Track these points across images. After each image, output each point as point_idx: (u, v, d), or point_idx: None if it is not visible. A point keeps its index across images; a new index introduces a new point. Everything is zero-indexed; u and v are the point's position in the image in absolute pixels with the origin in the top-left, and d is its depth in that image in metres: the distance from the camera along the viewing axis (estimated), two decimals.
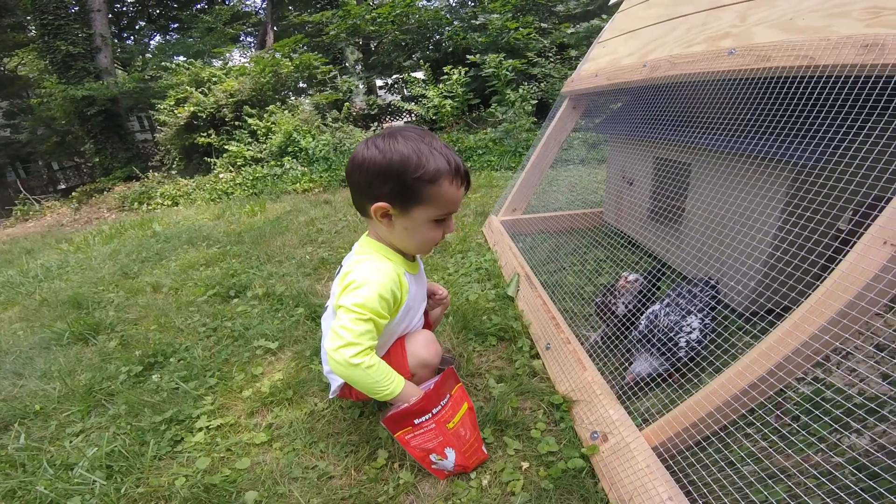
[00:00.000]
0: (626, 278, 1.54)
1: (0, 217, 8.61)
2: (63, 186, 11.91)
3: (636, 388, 1.30)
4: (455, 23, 8.62)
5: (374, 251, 1.09)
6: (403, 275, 1.09)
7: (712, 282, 1.45)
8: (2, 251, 4.86)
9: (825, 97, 1.14)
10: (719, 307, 1.43)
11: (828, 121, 1.17)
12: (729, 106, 1.47)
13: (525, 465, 1.13)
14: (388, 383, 1.02)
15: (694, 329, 1.30)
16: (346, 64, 9.87)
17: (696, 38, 1.62)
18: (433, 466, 1.11)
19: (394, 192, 0.97)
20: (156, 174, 7.47)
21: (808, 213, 1.20)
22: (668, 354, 1.27)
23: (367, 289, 0.99)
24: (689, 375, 1.27)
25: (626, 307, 1.51)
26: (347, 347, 0.97)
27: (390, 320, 1.09)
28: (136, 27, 13.81)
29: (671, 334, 1.29)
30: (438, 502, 1.06)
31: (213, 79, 7.42)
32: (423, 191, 0.97)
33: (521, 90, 6.38)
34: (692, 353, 1.28)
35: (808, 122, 1.22)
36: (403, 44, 8.71)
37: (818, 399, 1.11)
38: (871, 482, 0.84)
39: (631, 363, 1.32)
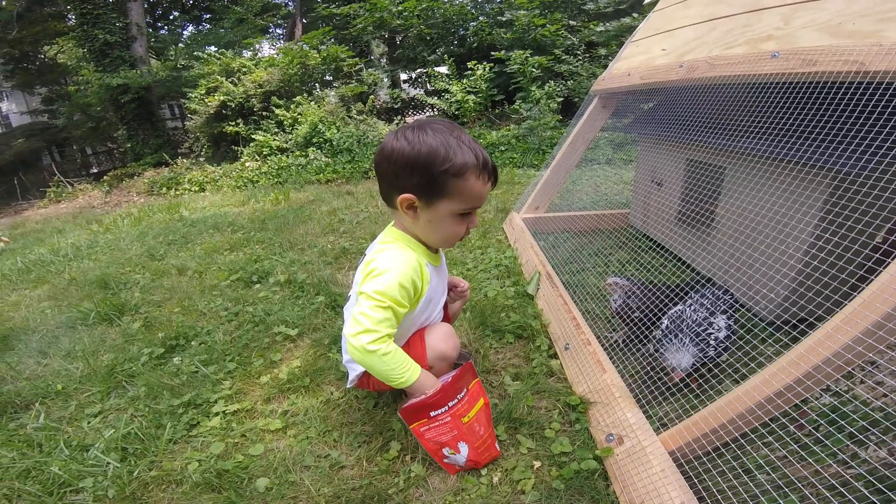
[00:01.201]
0: (606, 281, 1.58)
1: (34, 198, 8.96)
2: (95, 170, 12.29)
3: (682, 386, 1.27)
4: (480, 18, 8.56)
5: (397, 241, 1.09)
6: (425, 265, 1.09)
7: (729, 291, 1.42)
8: (35, 230, 5.05)
9: (874, 104, 1.09)
10: (740, 310, 1.40)
11: (875, 128, 1.11)
12: (768, 110, 1.42)
13: (537, 464, 1.12)
14: (404, 371, 1.02)
15: (721, 328, 1.27)
16: (372, 57, 9.91)
17: (737, 39, 1.57)
18: (445, 460, 1.11)
19: (420, 184, 0.97)
20: (184, 161, 7.65)
21: (848, 223, 1.15)
22: (703, 345, 1.24)
23: (388, 276, 0.99)
24: (713, 381, 1.24)
25: (618, 302, 1.54)
26: (365, 334, 0.98)
27: (411, 311, 1.09)
28: (170, 17, 14.14)
29: (700, 329, 1.26)
30: (448, 497, 1.06)
31: (243, 69, 7.55)
32: (448, 184, 0.97)
33: (546, 87, 6.30)
34: (720, 351, 1.26)
35: (855, 129, 1.17)
36: (428, 38, 8.69)
37: (845, 409, 1.08)
38: (889, 493, 0.81)
39: (665, 363, 1.28)
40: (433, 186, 0.97)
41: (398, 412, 1.12)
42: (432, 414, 1.06)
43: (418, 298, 1.09)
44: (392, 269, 1.00)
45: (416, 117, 9.33)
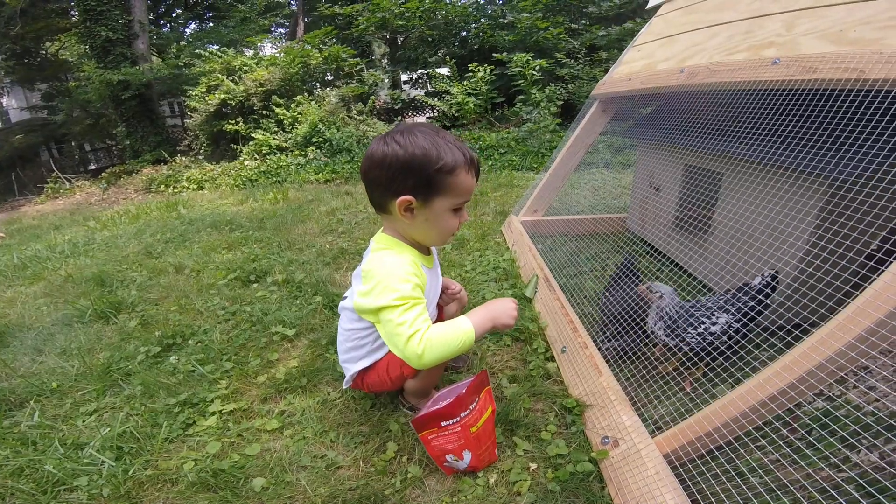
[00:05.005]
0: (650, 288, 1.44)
1: (32, 194, 8.93)
2: (93, 167, 12.26)
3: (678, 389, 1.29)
4: (482, 20, 8.58)
5: (390, 247, 1.12)
6: (420, 266, 1.11)
7: (773, 281, 1.36)
8: (31, 226, 5.04)
9: (871, 112, 1.09)
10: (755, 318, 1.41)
11: (873, 136, 1.12)
12: (767, 116, 1.43)
13: (533, 466, 1.13)
14: (458, 335, 1.01)
15: (717, 323, 1.29)
16: (373, 57, 9.93)
17: (738, 45, 1.58)
18: (445, 464, 1.11)
19: (417, 184, 1.00)
20: (183, 158, 7.63)
21: (844, 230, 1.16)
22: (689, 329, 1.28)
23: (394, 279, 1.01)
24: (708, 385, 1.24)
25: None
26: (412, 338, 0.97)
27: None
28: (173, 14, 14.13)
29: (698, 312, 1.29)
30: (444, 498, 1.06)
31: (245, 68, 7.55)
32: (442, 181, 1.00)
33: (547, 90, 6.31)
34: (712, 341, 1.28)
35: (853, 137, 1.18)
36: (430, 39, 8.71)
37: (837, 414, 1.10)
38: (880, 497, 0.82)
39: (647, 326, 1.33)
40: (429, 185, 1.00)
41: (411, 422, 1.11)
42: (443, 424, 1.06)
43: None
44: (394, 269, 1.03)
45: (415, 118, 9.34)
